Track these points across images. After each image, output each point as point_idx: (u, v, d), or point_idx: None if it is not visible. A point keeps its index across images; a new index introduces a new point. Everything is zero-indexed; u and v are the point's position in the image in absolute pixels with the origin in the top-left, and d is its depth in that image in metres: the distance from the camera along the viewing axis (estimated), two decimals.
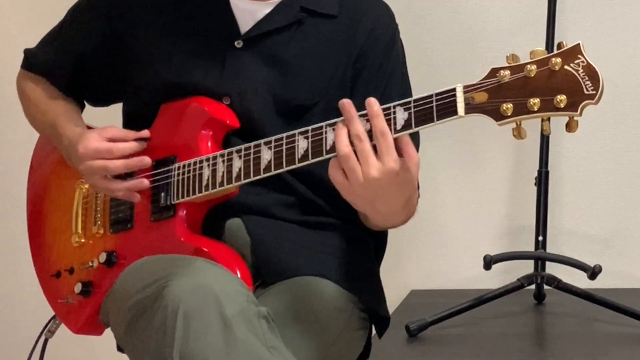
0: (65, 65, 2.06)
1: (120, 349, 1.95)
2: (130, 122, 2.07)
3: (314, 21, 1.95)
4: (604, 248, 2.97)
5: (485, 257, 2.61)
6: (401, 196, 1.68)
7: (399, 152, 1.63)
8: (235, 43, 1.93)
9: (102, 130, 1.93)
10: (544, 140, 2.76)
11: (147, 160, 1.90)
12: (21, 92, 2.15)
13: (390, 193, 1.66)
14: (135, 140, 1.92)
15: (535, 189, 2.77)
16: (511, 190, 3.04)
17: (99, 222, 2.00)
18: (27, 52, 2.14)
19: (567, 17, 2.92)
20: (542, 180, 2.75)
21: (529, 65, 1.55)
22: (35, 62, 2.11)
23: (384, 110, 1.65)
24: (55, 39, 2.10)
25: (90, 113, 2.17)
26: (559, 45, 1.55)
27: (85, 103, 2.16)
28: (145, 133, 1.93)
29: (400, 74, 1.99)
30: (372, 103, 1.63)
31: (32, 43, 2.14)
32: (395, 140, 1.62)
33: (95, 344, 2.32)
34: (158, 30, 1.97)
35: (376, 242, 2.04)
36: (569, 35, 2.74)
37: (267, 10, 1.94)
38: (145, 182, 1.90)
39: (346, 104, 1.65)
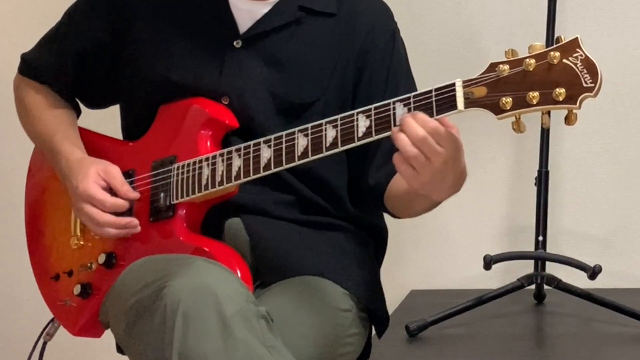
0: (66, 67, 2.06)
1: (119, 350, 1.95)
2: (129, 123, 2.07)
3: (313, 20, 1.95)
4: (604, 248, 2.97)
5: (485, 257, 2.60)
6: (462, 162, 1.71)
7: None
8: (234, 43, 1.93)
9: (105, 172, 1.93)
10: (544, 140, 2.76)
11: (135, 223, 1.90)
12: (19, 101, 2.14)
13: (456, 164, 1.69)
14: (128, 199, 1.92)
15: (535, 189, 2.76)
16: (511, 190, 3.04)
17: None
18: (25, 57, 2.13)
19: (567, 16, 2.92)
20: (542, 180, 2.75)
21: (527, 59, 1.55)
22: (35, 67, 2.10)
23: (383, 106, 1.66)
24: (53, 41, 2.09)
25: (91, 113, 2.17)
26: (558, 39, 1.56)
27: (83, 106, 2.15)
28: (136, 195, 1.92)
29: (404, 71, 2.00)
30: (417, 120, 1.63)
31: (33, 44, 2.14)
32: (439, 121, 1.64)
33: (95, 346, 2.32)
34: (157, 29, 1.97)
35: (376, 242, 2.04)
36: (569, 35, 2.73)
37: (266, 10, 1.94)
38: (138, 227, 1.91)
39: (405, 119, 1.65)
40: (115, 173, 1.92)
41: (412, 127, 1.62)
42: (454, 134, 1.65)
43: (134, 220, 1.90)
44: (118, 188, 1.91)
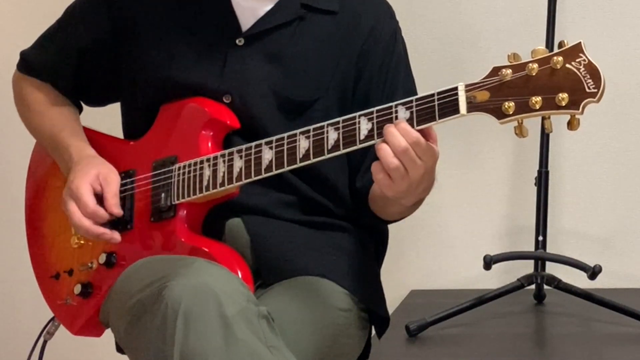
0: (66, 64, 2.06)
1: (119, 350, 1.95)
2: (129, 121, 2.07)
3: (315, 17, 1.95)
4: (604, 248, 2.97)
5: (485, 257, 2.60)
6: (435, 171, 1.73)
7: (426, 137, 1.67)
8: (237, 41, 1.93)
9: (104, 177, 1.92)
10: (544, 140, 2.76)
11: (109, 237, 1.90)
12: (19, 98, 2.14)
13: (431, 175, 1.72)
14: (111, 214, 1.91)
15: (535, 189, 2.77)
16: (511, 190, 3.04)
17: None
18: (25, 54, 2.12)
19: (567, 17, 2.92)
20: (542, 180, 2.75)
21: (530, 64, 1.55)
22: (35, 64, 2.10)
23: (385, 109, 1.66)
24: (53, 39, 2.09)
25: (91, 113, 2.17)
26: (560, 44, 1.55)
27: (83, 104, 2.15)
28: (119, 212, 1.91)
29: (404, 72, 2.00)
30: (400, 130, 1.65)
31: (32, 43, 2.14)
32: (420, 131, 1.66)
33: (95, 346, 2.32)
34: (159, 27, 1.97)
35: (377, 242, 2.04)
36: (569, 35, 2.73)
37: (268, 8, 1.94)
38: (116, 238, 1.90)
39: (388, 129, 1.66)
40: (113, 181, 1.92)
41: (395, 138, 1.64)
42: (432, 147, 1.67)
43: (107, 234, 1.89)
44: (107, 198, 1.90)
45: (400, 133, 1.64)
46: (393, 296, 2.67)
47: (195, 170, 1.86)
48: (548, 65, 1.54)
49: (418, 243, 3.07)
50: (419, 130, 1.65)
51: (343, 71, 1.95)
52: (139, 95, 2.01)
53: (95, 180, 1.91)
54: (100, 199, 1.90)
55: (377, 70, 1.96)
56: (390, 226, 2.06)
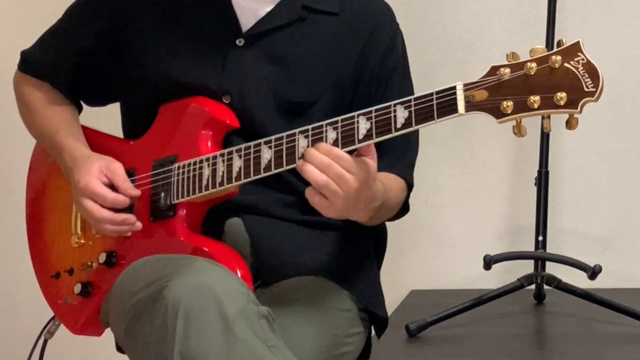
0: (66, 64, 2.06)
1: (119, 349, 1.95)
2: (129, 121, 2.07)
3: (316, 18, 1.95)
4: (604, 248, 2.97)
5: (485, 257, 2.60)
6: (372, 186, 1.72)
7: (363, 155, 1.69)
8: (237, 41, 1.93)
9: (107, 168, 1.93)
10: (544, 140, 2.76)
11: (133, 220, 1.91)
12: (19, 97, 2.14)
13: (368, 188, 1.70)
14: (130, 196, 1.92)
15: (535, 189, 2.76)
16: (511, 190, 3.04)
17: None
18: (25, 54, 2.13)
19: (567, 17, 2.92)
20: (542, 180, 2.75)
21: (529, 63, 1.55)
22: (35, 63, 2.10)
23: (384, 108, 1.66)
24: (54, 38, 2.09)
25: (91, 113, 2.17)
26: (559, 43, 1.55)
27: (83, 104, 2.15)
28: (137, 193, 1.92)
29: (402, 75, 2.00)
30: (319, 149, 1.67)
31: (32, 43, 2.14)
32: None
33: (95, 345, 2.32)
34: (159, 28, 1.97)
35: (376, 242, 2.04)
36: (569, 35, 2.72)
37: (269, 8, 1.94)
38: (138, 224, 1.91)
39: (307, 150, 1.69)
40: (117, 169, 1.92)
41: (316, 156, 1.66)
42: (362, 160, 1.68)
43: (131, 217, 1.90)
44: (119, 185, 1.91)
45: (321, 152, 1.66)
46: (393, 296, 2.68)
47: (194, 169, 1.86)
48: (546, 64, 1.54)
49: (418, 243, 3.07)
50: (350, 152, 1.67)
51: (342, 73, 1.95)
52: (139, 95, 2.01)
53: (100, 174, 1.91)
54: (111, 189, 1.91)
55: (375, 73, 1.96)
56: (390, 226, 2.06)
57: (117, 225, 1.90)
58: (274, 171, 1.77)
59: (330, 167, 1.65)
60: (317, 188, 1.67)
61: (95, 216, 1.90)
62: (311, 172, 1.66)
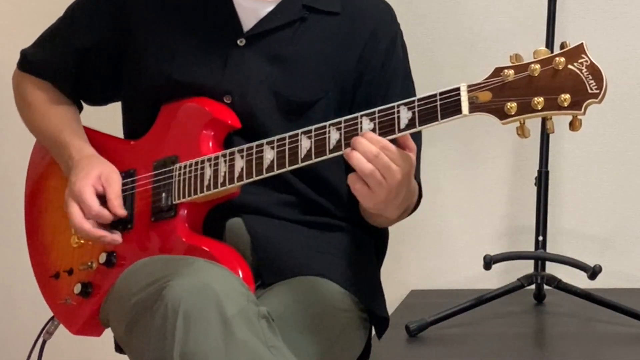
0: (67, 63, 2.05)
1: (118, 349, 1.95)
2: (130, 121, 2.07)
3: (317, 18, 1.95)
4: (604, 248, 2.97)
5: (485, 257, 2.60)
6: (412, 179, 1.74)
7: (402, 147, 1.68)
8: (238, 41, 1.93)
9: (106, 177, 1.92)
10: (544, 140, 2.76)
11: (110, 239, 1.90)
12: (19, 96, 2.14)
13: (409, 182, 1.71)
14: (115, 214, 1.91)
15: (535, 189, 2.77)
16: (511, 190, 3.04)
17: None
18: (25, 53, 2.12)
19: (567, 17, 2.92)
20: (542, 180, 2.75)
21: (532, 65, 1.55)
22: (36, 62, 2.10)
23: (387, 109, 1.66)
24: (54, 37, 2.09)
25: (91, 113, 2.17)
26: (563, 45, 1.56)
27: (83, 103, 2.15)
28: (123, 213, 1.91)
29: (403, 75, 2.00)
30: (367, 138, 1.67)
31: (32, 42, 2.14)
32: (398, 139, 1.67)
33: (95, 345, 2.32)
34: (160, 27, 1.97)
35: (377, 242, 2.04)
36: (569, 36, 2.74)
37: (270, 8, 1.94)
38: (116, 242, 1.91)
39: (356, 139, 1.68)
40: (115, 182, 1.92)
41: (365, 145, 1.66)
42: (406, 153, 1.68)
43: (107, 236, 1.90)
44: (110, 199, 1.90)
45: (368, 141, 1.66)
46: (393, 296, 2.68)
47: (196, 170, 1.86)
48: (550, 66, 1.54)
49: (418, 243, 3.07)
50: (393, 140, 1.66)
51: (343, 73, 1.95)
52: (140, 95, 2.01)
53: (97, 181, 1.91)
54: (102, 199, 1.90)
55: (376, 74, 1.96)
56: (390, 226, 2.06)
57: (92, 240, 1.92)
58: (276, 172, 1.77)
59: (378, 156, 1.65)
60: (363, 176, 1.66)
61: (75, 224, 1.90)
62: (358, 159, 1.65)
